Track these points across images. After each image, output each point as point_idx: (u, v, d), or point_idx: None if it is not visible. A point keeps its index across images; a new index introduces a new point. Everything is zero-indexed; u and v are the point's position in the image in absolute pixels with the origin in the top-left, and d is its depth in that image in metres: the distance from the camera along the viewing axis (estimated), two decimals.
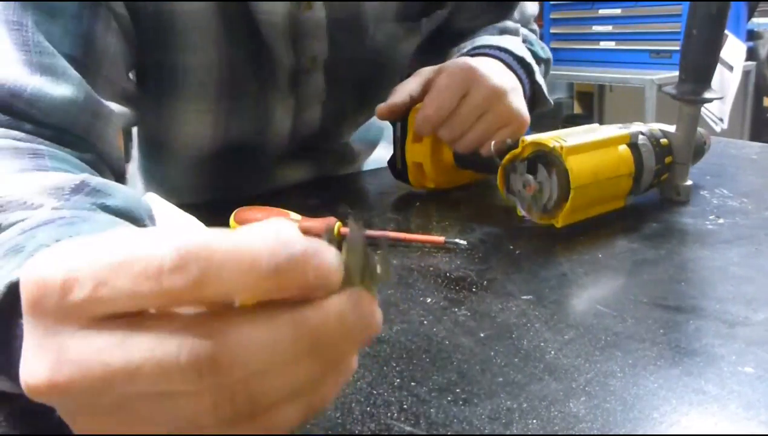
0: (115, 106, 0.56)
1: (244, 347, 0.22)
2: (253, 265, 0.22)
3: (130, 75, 0.66)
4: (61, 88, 0.50)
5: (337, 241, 0.25)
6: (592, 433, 0.32)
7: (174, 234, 0.23)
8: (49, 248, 0.25)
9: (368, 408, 0.35)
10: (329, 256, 0.23)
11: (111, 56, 0.57)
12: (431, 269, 0.54)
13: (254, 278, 0.22)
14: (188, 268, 0.22)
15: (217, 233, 0.23)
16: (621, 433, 0.32)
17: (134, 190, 0.43)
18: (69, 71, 0.52)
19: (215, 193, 0.81)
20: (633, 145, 0.63)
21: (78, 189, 0.38)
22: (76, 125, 0.51)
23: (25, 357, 0.24)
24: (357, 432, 0.33)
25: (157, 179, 0.82)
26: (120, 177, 0.57)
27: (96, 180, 0.40)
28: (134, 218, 0.40)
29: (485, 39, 0.81)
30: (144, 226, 0.41)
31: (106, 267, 0.22)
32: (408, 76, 0.75)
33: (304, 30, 0.70)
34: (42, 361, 0.23)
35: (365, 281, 0.25)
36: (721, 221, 0.62)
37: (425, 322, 0.44)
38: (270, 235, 0.23)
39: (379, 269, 0.25)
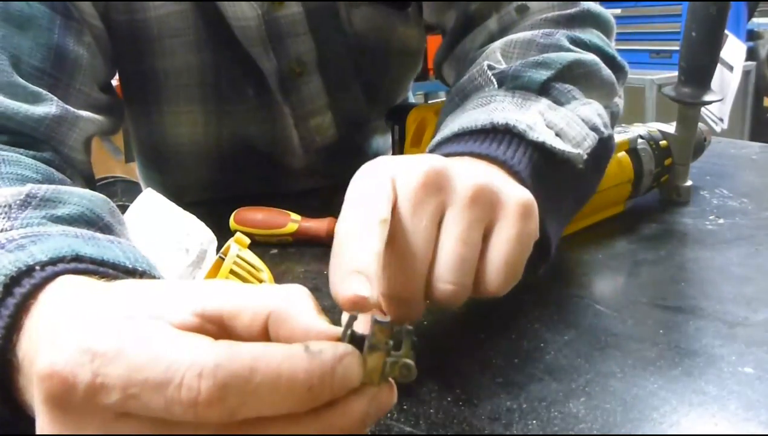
0: (84, 113, 0.55)
1: None
2: (288, 390, 0.23)
3: (113, 81, 0.66)
4: (18, 103, 0.49)
5: (356, 336, 0.25)
6: (592, 433, 0.32)
7: (212, 347, 0.23)
8: (75, 329, 0.25)
9: None
10: (353, 362, 0.24)
11: (83, 69, 0.56)
12: None
13: (290, 402, 0.23)
14: (225, 400, 0.22)
15: (253, 349, 0.23)
16: (621, 433, 0.32)
17: (87, 190, 0.42)
18: (29, 88, 0.50)
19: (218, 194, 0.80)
20: (632, 151, 0.63)
21: (25, 203, 0.37)
22: (36, 130, 0.50)
23: None
24: None
25: (159, 186, 0.82)
26: (89, 180, 0.56)
27: (43, 189, 0.39)
28: (89, 221, 0.39)
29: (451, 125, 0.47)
30: (104, 225, 0.40)
31: (139, 382, 0.22)
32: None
33: (280, 30, 0.67)
34: None
35: (385, 377, 0.25)
36: (721, 221, 0.62)
37: (425, 322, 0.44)
38: (300, 350, 0.23)
39: (401, 365, 0.26)
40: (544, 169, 0.42)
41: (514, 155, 0.41)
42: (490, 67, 0.50)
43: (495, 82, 0.49)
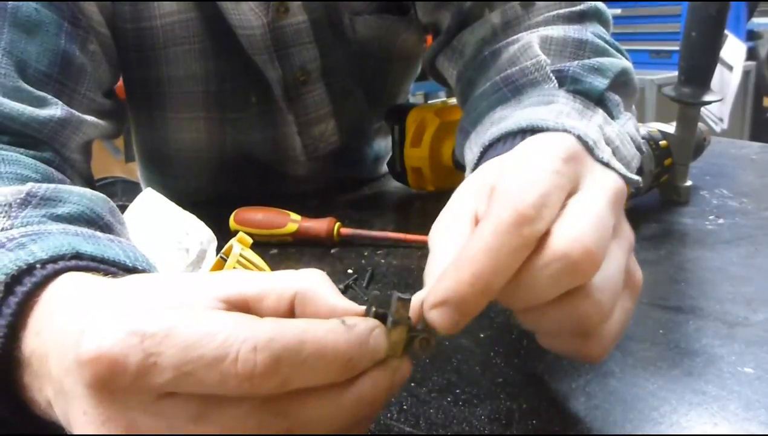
0: (88, 117, 0.55)
1: (314, 424, 0.25)
2: (332, 361, 0.24)
3: (118, 84, 0.66)
4: (23, 105, 0.49)
5: (379, 313, 0.27)
6: (592, 433, 0.32)
7: (263, 323, 0.24)
8: (117, 313, 0.25)
9: None
10: (382, 335, 0.26)
11: (89, 74, 0.57)
12: None
13: (333, 372, 0.25)
14: (279, 371, 0.23)
15: (300, 324, 0.25)
16: (621, 433, 0.32)
17: (88, 189, 0.42)
18: (34, 93, 0.50)
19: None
20: None
21: (25, 202, 0.37)
22: (40, 132, 0.49)
23: (87, 429, 0.24)
24: None
25: (161, 189, 0.82)
26: (88, 181, 0.56)
27: (43, 188, 0.39)
28: (89, 220, 0.39)
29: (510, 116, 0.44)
30: (104, 224, 0.40)
31: (193, 359, 0.23)
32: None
33: (285, 39, 0.68)
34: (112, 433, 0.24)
35: (406, 351, 0.27)
36: (720, 221, 0.62)
37: None
38: (338, 324, 0.25)
39: (421, 339, 0.28)
40: None
41: None
42: (546, 63, 0.48)
43: (555, 81, 0.47)
